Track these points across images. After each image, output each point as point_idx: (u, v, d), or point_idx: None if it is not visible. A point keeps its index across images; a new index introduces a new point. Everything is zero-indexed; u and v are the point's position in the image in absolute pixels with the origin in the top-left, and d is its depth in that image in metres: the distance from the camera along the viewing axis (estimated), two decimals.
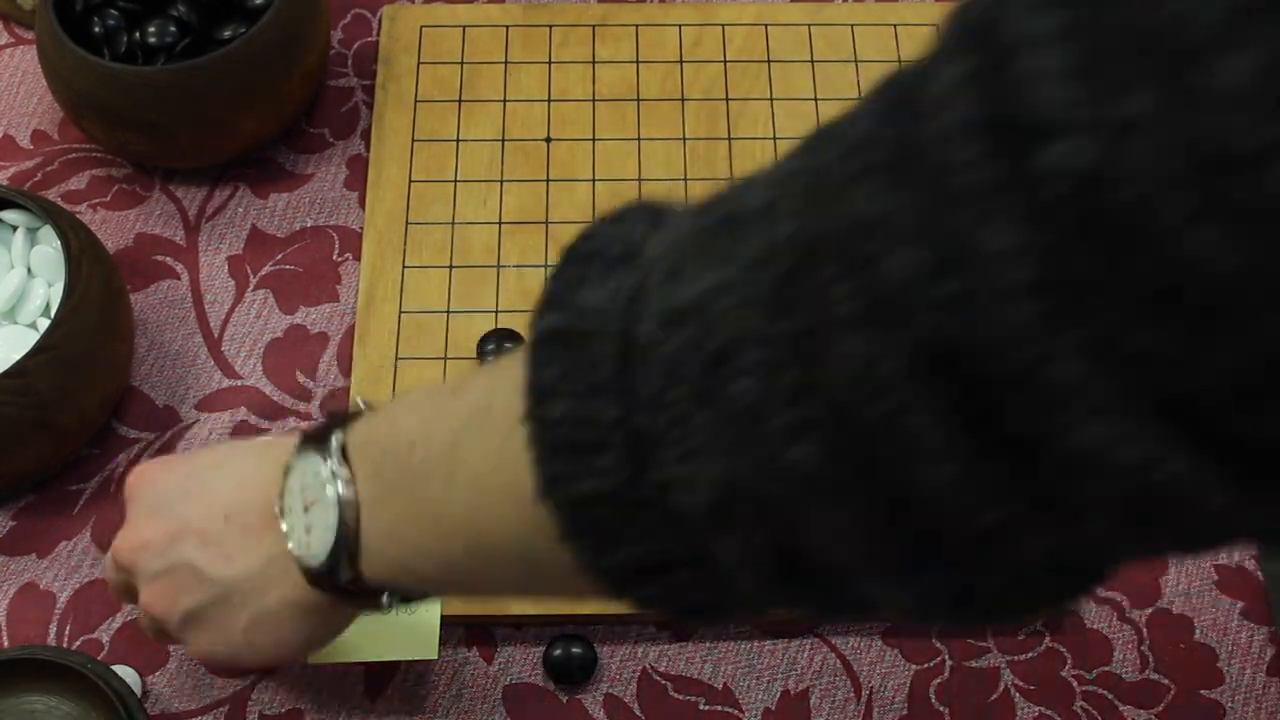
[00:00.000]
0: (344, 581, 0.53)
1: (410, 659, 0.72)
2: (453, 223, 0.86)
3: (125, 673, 0.72)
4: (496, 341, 0.80)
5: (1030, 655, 0.74)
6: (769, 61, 0.92)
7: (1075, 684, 0.73)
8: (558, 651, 0.73)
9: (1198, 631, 0.75)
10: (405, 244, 0.85)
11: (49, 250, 0.77)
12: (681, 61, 0.92)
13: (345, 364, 0.82)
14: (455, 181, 0.87)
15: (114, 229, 0.86)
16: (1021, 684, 0.73)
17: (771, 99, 0.90)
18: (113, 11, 0.84)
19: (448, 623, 0.73)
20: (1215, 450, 0.31)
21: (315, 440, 0.54)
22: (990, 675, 0.74)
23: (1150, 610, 0.75)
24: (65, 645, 0.74)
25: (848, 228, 0.34)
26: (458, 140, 0.89)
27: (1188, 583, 0.76)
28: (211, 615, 0.58)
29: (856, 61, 0.92)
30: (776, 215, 0.37)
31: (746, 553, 0.39)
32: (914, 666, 0.74)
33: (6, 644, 0.74)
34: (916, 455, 0.34)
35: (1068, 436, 0.31)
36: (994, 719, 0.72)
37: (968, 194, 0.31)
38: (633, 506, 0.41)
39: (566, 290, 0.43)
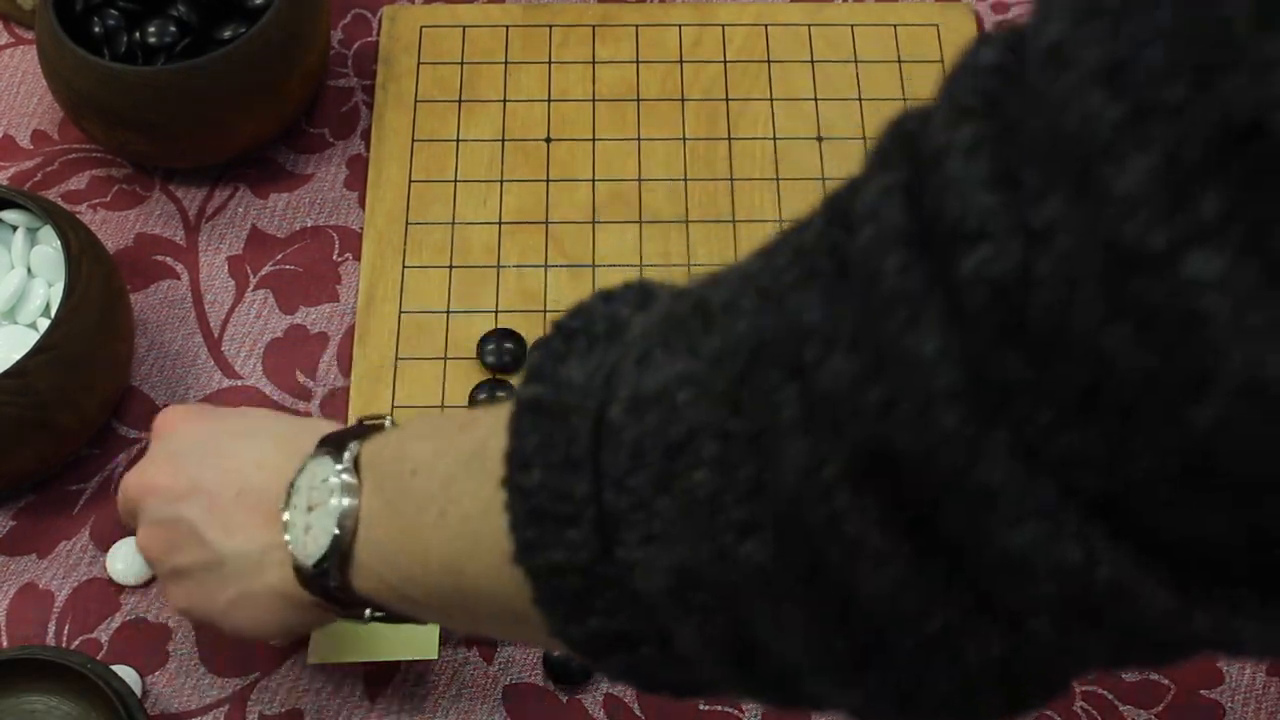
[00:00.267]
0: (331, 588, 0.54)
1: (410, 659, 0.72)
2: (453, 223, 0.86)
3: (125, 673, 0.72)
4: (496, 342, 0.80)
5: None
6: (769, 61, 0.92)
7: (1075, 684, 0.73)
8: (558, 651, 0.73)
9: None
10: (405, 244, 0.85)
11: (49, 250, 0.77)
12: (681, 61, 0.92)
13: (345, 364, 0.82)
14: (455, 181, 0.87)
15: (114, 229, 0.86)
16: None
17: (771, 99, 0.90)
18: (113, 11, 0.84)
19: None
20: (1150, 550, 0.31)
21: (333, 444, 0.55)
22: None
23: None
24: (65, 645, 0.74)
25: (788, 334, 0.36)
26: (458, 140, 0.89)
27: None
28: (199, 577, 0.60)
29: (856, 61, 0.92)
30: (736, 312, 0.38)
31: (704, 641, 0.40)
32: None
33: (6, 644, 0.74)
34: (858, 557, 0.35)
35: (1001, 539, 0.32)
36: None
37: (894, 301, 0.32)
38: (601, 581, 0.42)
39: (551, 363, 0.45)
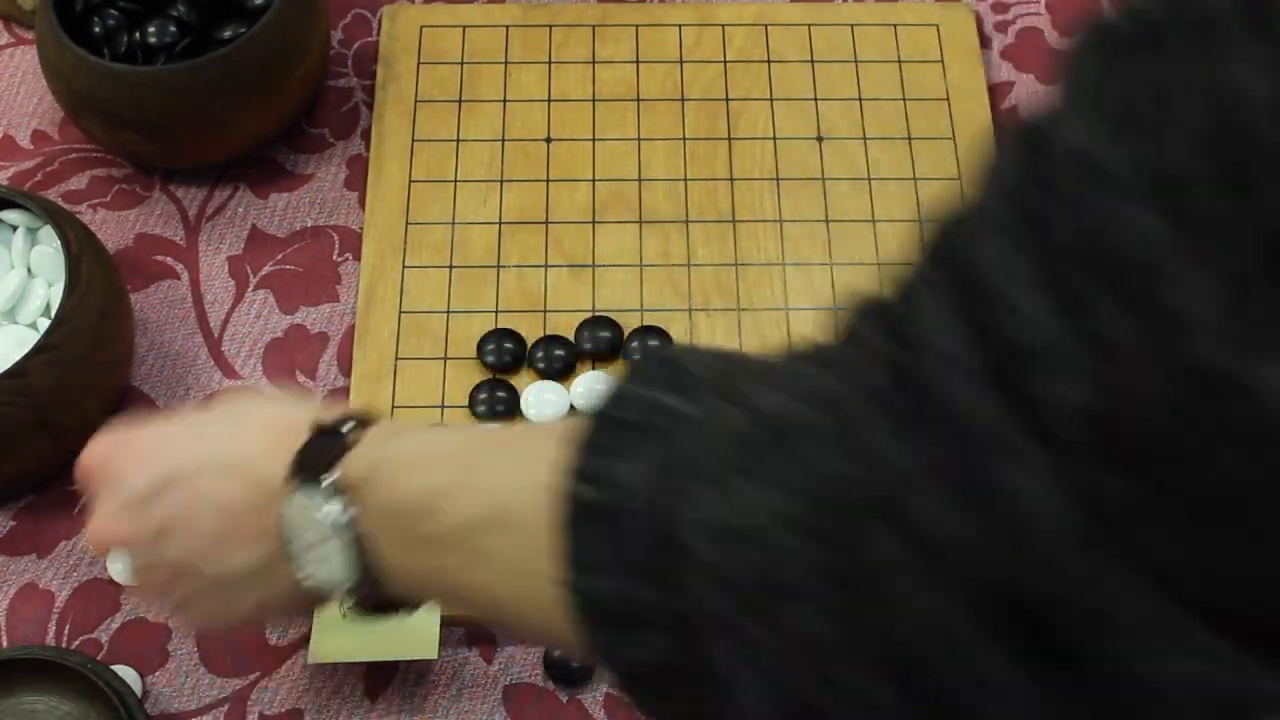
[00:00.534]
0: (369, 603, 0.54)
1: (410, 659, 0.72)
2: (453, 223, 0.86)
3: (125, 673, 0.72)
4: (496, 341, 0.80)
5: None
6: (769, 61, 0.92)
7: None
8: (558, 651, 0.73)
9: None
10: (405, 244, 0.85)
11: (49, 250, 0.77)
12: (681, 61, 0.92)
13: (345, 364, 0.82)
14: (455, 181, 0.87)
15: (114, 229, 0.86)
16: None
17: (771, 99, 0.90)
18: (113, 11, 0.84)
19: (448, 623, 0.73)
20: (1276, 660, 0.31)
21: (307, 474, 0.53)
22: None
23: None
24: (65, 645, 0.74)
25: (881, 481, 0.35)
26: (458, 140, 0.89)
27: None
28: (210, 598, 0.58)
29: (856, 61, 0.92)
30: (810, 437, 0.37)
31: None
32: None
33: (6, 644, 0.74)
34: (995, 700, 0.34)
35: (1145, 671, 0.31)
36: None
37: (981, 440, 0.32)
38: (689, 676, 0.41)
39: (599, 460, 0.43)
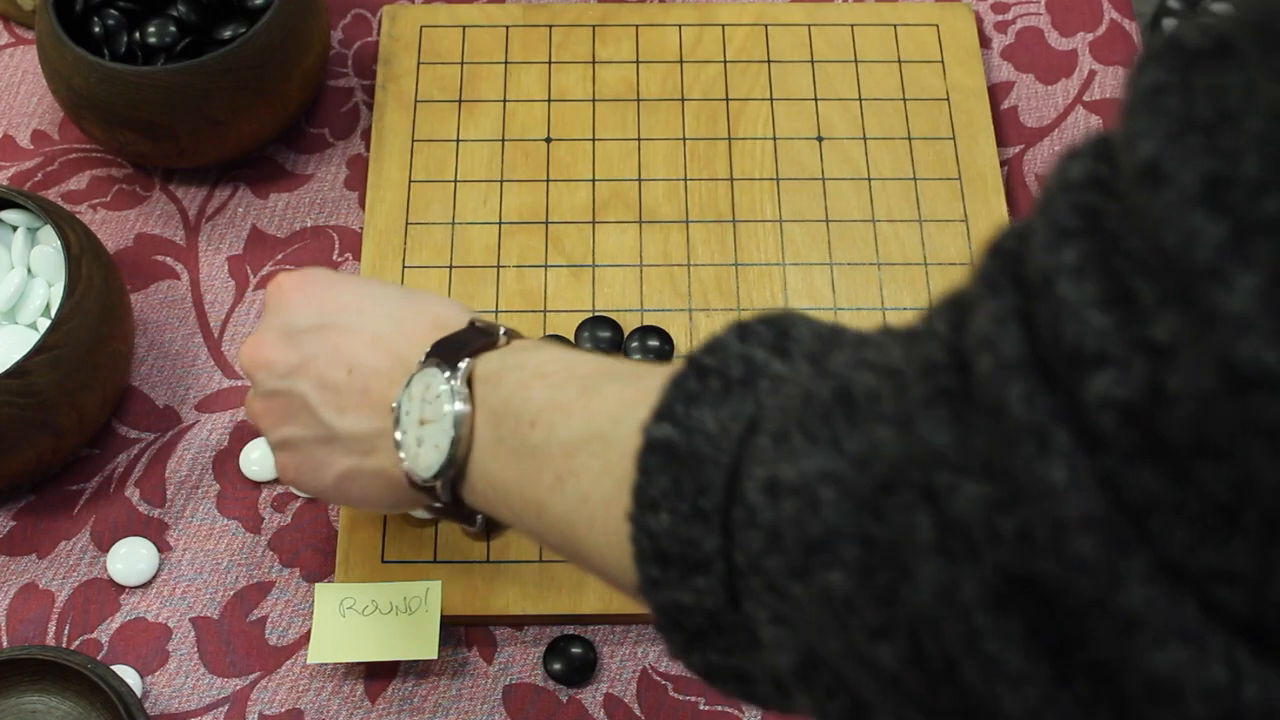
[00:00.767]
0: (443, 500, 0.55)
1: (410, 659, 0.72)
2: (453, 223, 0.86)
3: (125, 673, 0.72)
4: None
5: None
6: (769, 61, 0.92)
7: None
8: (558, 651, 0.73)
9: None
10: (405, 244, 0.85)
11: (49, 250, 0.77)
12: (681, 61, 0.92)
13: None
14: (455, 181, 0.87)
15: (114, 229, 0.86)
16: None
17: (771, 99, 0.90)
18: (113, 11, 0.84)
19: (448, 623, 0.73)
20: None
21: (446, 356, 0.55)
22: None
23: None
24: (65, 645, 0.74)
25: (920, 456, 0.36)
26: (458, 140, 0.89)
27: None
28: (310, 450, 0.61)
29: (856, 62, 0.92)
30: (878, 415, 0.38)
31: (823, 712, 0.41)
32: None
33: (6, 644, 0.74)
34: (996, 677, 0.35)
35: (1145, 662, 0.32)
36: None
37: (1022, 431, 0.32)
38: (726, 625, 0.43)
39: (683, 404, 0.44)
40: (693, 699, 0.73)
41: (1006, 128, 0.91)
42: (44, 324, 0.75)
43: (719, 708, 0.72)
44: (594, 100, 0.90)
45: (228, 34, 0.84)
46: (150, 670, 0.73)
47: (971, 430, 0.35)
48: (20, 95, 0.92)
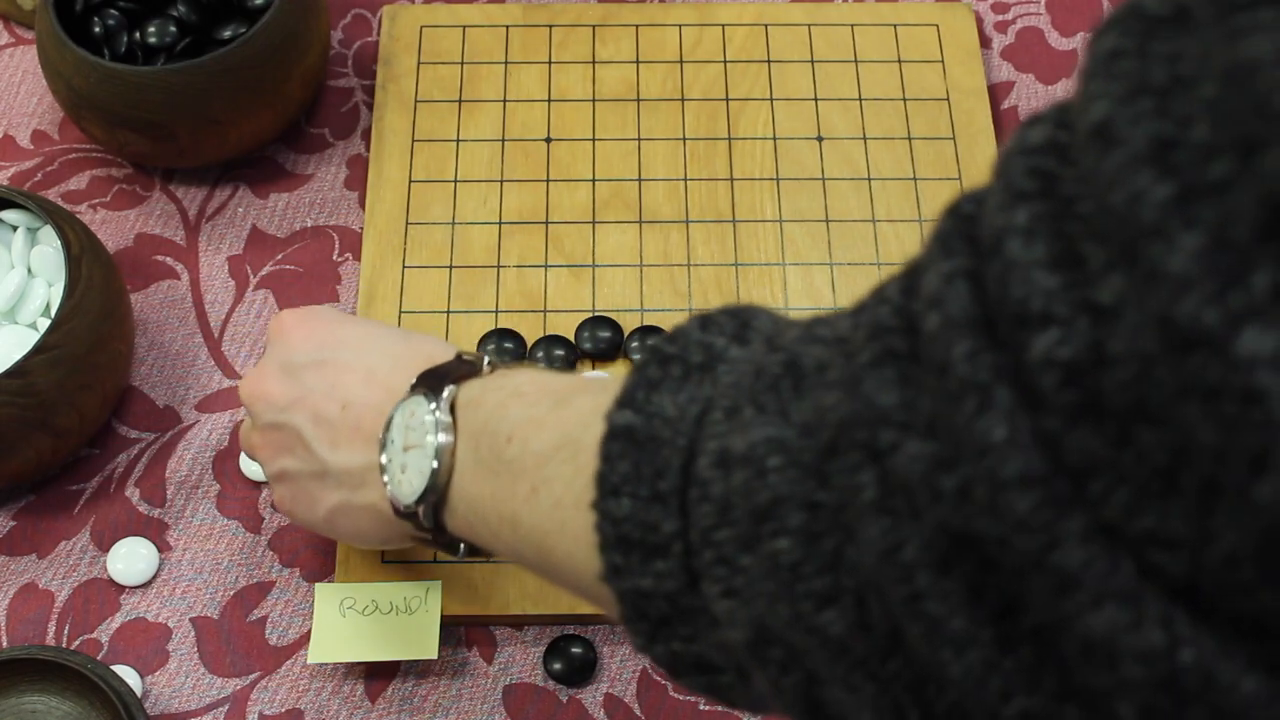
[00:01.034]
0: (425, 526, 0.56)
1: (410, 659, 0.72)
2: (453, 223, 0.86)
3: (125, 673, 0.72)
4: (496, 341, 0.80)
5: None
6: (769, 61, 0.92)
7: None
8: (558, 651, 0.73)
9: None
10: (405, 244, 0.85)
11: (49, 250, 0.77)
12: (681, 61, 0.92)
13: None
14: (455, 181, 0.87)
15: (114, 229, 0.86)
16: None
17: (771, 99, 0.90)
18: (113, 11, 0.84)
19: (448, 623, 0.73)
20: (1234, 634, 0.31)
21: (431, 385, 0.56)
22: None
23: None
24: (65, 645, 0.74)
25: (866, 415, 0.36)
26: (458, 140, 0.89)
27: None
28: (304, 484, 0.62)
29: (856, 61, 0.92)
30: (826, 383, 0.39)
31: (777, 690, 0.41)
32: None
33: (6, 644, 0.74)
34: (939, 638, 0.35)
35: (1082, 622, 0.32)
36: None
37: (964, 389, 0.33)
38: (686, 610, 0.43)
39: (644, 390, 0.45)
40: (693, 699, 0.73)
41: (1006, 128, 0.91)
42: (44, 324, 0.75)
43: (719, 708, 0.72)
44: (594, 100, 0.90)
45: (228, 34, 0.84)
46: (150, 670, 0.73)
47: (917, 390, 0.35)
48: (20, 95, 0.92)
